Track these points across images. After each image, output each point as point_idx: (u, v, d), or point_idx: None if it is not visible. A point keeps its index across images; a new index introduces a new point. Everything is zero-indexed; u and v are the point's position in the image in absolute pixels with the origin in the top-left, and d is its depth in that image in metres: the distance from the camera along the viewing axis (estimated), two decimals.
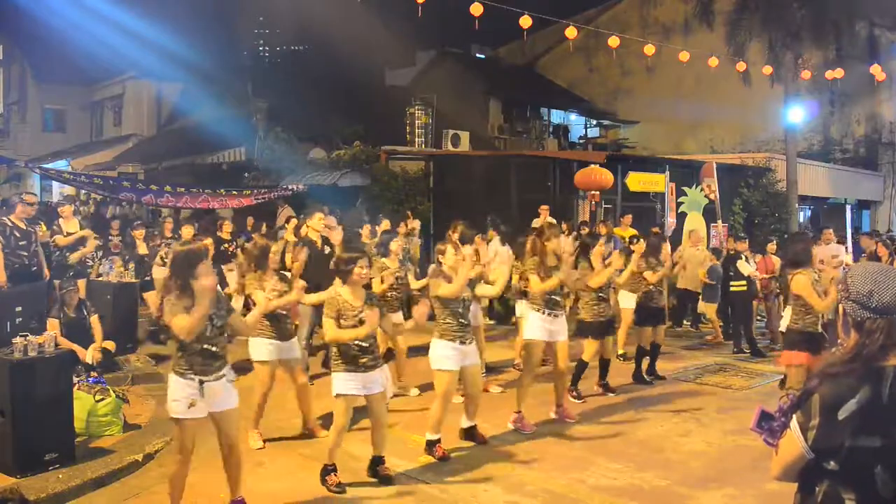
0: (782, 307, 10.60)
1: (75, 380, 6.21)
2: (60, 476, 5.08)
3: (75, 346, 6.95)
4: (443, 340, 5.81)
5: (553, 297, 6.63)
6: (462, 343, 5.81)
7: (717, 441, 6.41)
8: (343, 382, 5.08)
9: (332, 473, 5.16)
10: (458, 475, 5.48)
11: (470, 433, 6.22)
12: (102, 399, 6.04)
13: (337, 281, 5.21)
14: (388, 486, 5.25)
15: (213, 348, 4.37)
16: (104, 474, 5.23)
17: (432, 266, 6.33)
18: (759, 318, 11.08)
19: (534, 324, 6.66)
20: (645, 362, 8.50)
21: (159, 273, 11.08)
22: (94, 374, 6.91)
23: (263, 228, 12.76)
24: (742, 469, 5.64)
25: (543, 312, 6.60)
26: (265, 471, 5.39)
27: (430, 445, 5.82)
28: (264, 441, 6.12)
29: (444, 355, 5.78)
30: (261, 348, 6.03)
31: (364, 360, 5.08)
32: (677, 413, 7.21)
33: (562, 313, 6.75)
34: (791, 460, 2.17)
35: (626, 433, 6.57)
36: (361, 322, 5.04)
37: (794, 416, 2.13)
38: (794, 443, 2.13)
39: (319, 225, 8.30)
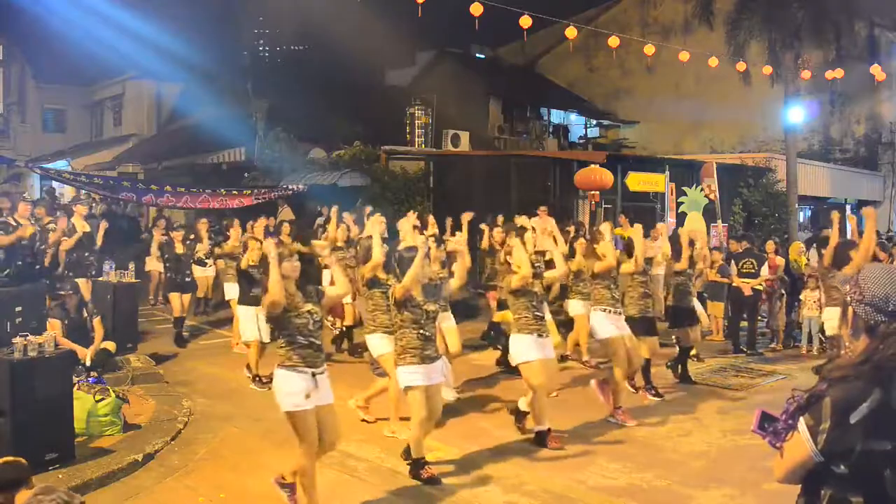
0: (784, 306, 10.65)
1: (75, 380, 6.22)
2: (60, 476, 5.07)
3: (75, 346, 6.95)
4: (521, 335, 6.06)
5: (614, 294, 7.02)
6: (540, 336, 6.06)
7: (717, 441, 6.40)
8: (409, 375, 5.26)
9: (426, 467, 5.31)
10: (458, 475, 5.48)
11: (520, 416, 6.38)
12: (102, 399, 6.04)
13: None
14: (389, 486, 5.25)
15: (317, 341, 4.60)
16: (104, 474, 5.22)
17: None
18: (760, 317, 11.07)
19: (605, 322, 6.96)
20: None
21: (199, 272, 11.19)
22: (94, 374, 6.92)
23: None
24: (742, 469, 5.64)
25: (610, 311, 6.96)
26: (265, 471, 5.38)
27: (541, 437, 6.08)
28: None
29: (526, 348, 6.02)
30: (378, 343, 6.32)
31: (428, 351, 5.30)
32: (677, 413, 7.21)
33: (622, 310, 7.11)
34: (798, 463, 2.14)
35: (626, 433, 6.57)
36: (427, 312, 5.30)
37: (803, 418, 2.10)
38: (801, 446, 2.10)
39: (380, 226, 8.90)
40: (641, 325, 7.49)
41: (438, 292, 5.59)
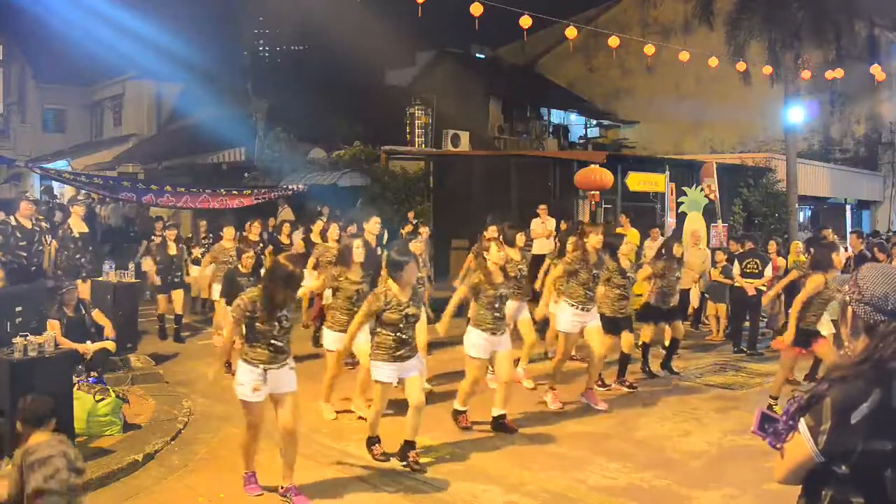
0: (783, 306, 10.65)
1: (75, 380, 6.21)
2: None
3: (75, 345, 6.95)
4: (476, 329, 6.32)
5: (589, 293, 7.10)
6: (493, 334, 6.30)
7: (717, 441, 6.40)
8: (381, 371, 5.46)
9: (377, 444, 5.72)
10: (458, 475, 5.48)
11: (499, 423, 6.44)
12: (102, 399, 6.04)
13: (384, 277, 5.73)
14: (388, 486, 5.26)
15: (280, 343, 4.87)
16: (104, 474, 5.22)
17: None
18: (761, 317, 11.06)
19: (567, 317, 7.11)
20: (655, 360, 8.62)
21: (195, 272, 11.22)
22: (94, 374, 6.91)
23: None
24: (742, 469, 5.64)
25: (578, 308, 7.06)
26: (263, 470, 5.38)
27: (456, 414, 6.50)
28: (337, 413, 6.83)
29: (475, 343, 6.31)
30: (331, 338, 6.64)
31: (401, 351, 5.46)
32: (677, 413, 7.21)
33: (594, 306, 7.25)
34: (799, 463, 2.13)
35: (626, 433, 6.58)
36: (407, 316, 5.41)
37: (803, 419, 2.10)
38: (802, 446, 2.09)
39: (375, 228, 9.04)
40: (613, 325, 7.70)
41: (420, 296, 5.77)
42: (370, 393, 6.59)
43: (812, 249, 8.77)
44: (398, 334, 5.43)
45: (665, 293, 8.44)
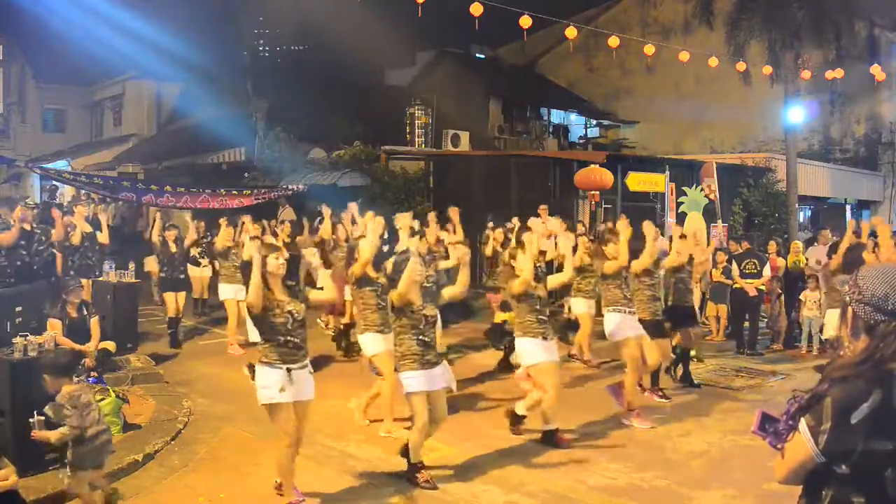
0: (783, 306, 10.65)
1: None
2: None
3: (76, 346, 6.95)
4: (527, 338, 6.07)
5: (627, 294, 7.00)
6: (545, 339, 6.08)
7: (718, 441, 6.41)
8: (410, 380, 5.21)
9: (423, 471, 5.29)
10: (458, 475, 5.48)
11: (516, 419, 6.38)
12: (102, 399, 6.02)
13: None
14: (389, 486, 5.26)
15: (296, 339, 4.75)
16: (104, 474, 5.21)
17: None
18: (762, 316, 11.07)
19: (620, 323, 6.92)
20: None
21: (194, 272, 11.21)
22: (94, 374, 6.91)
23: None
24: (742, 469, 5.65)
25: (625, 311, 6.95)
26: (265, 471, 5.39)
27: (548, 436, 6.14)
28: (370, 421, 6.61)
29: (534, 350, 6.04)
30: (371, 341, 6.37)
31: (429, 356, 5.24)
32: (677, 413, 7.21)
33: (635, 310, 7.07)
34: (799, 463, 2.13)
35: (627, 433, 6.57)
36: (426, 317, 5.24)
37: (804, 419, 2.10)
38: (803, 446, 2.10)
39: (379, 228, 8.84)
40: (654, 329, 7.37)
41: (436, 296, 5.57)
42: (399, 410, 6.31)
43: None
44: (420, 337, 5.21)
45: (682, 290, 8.32)
